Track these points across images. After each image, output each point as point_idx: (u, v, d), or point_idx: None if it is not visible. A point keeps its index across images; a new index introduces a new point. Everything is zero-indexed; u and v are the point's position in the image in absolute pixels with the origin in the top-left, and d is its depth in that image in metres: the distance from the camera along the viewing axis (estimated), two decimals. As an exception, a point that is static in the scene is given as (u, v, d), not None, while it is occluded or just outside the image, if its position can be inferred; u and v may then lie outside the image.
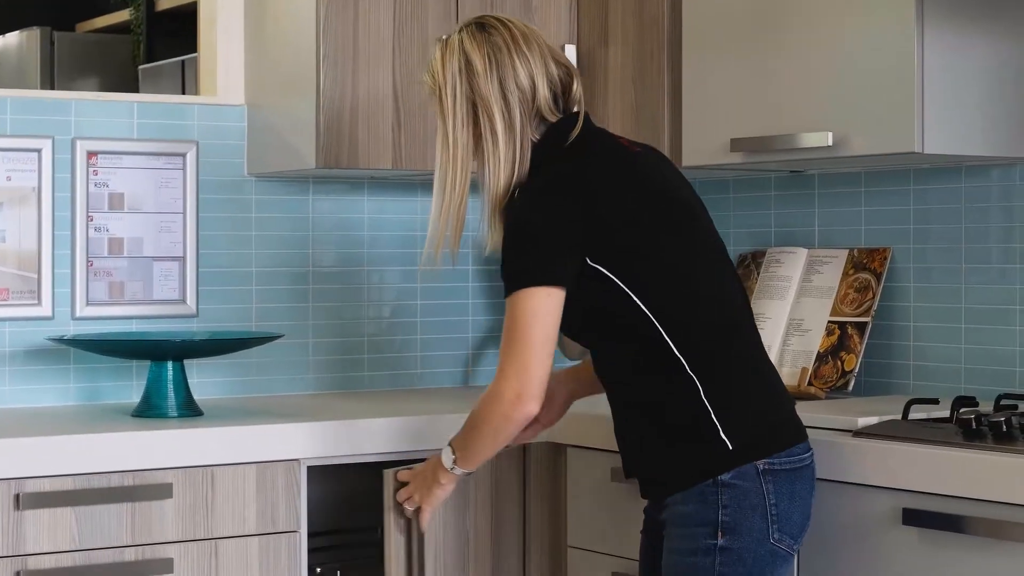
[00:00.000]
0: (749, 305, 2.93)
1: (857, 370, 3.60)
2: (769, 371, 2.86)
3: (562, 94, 2.91)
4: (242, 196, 3.87)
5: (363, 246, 4.03)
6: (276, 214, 3.91)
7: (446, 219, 2.91)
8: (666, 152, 3.74)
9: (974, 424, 2.86)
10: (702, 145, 3.63)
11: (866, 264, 3.70)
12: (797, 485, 2.75)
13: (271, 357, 3.88)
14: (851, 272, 3.72)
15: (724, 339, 2.80)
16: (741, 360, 2.81)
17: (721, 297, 2.83)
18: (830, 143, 3.35)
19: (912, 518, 2.80)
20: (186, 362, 3.44)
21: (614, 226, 2.77)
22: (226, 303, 3.84)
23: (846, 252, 3.75)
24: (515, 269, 2.81)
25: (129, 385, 3.72)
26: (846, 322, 3.66)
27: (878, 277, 3.67)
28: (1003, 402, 3.10)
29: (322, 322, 3.96)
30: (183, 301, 3.78)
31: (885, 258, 3.68)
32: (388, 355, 4.07)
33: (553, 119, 2.89)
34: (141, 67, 5.51)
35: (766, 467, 2.73)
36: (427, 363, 4.13)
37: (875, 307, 3.64)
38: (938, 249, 3.61)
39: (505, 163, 2.85)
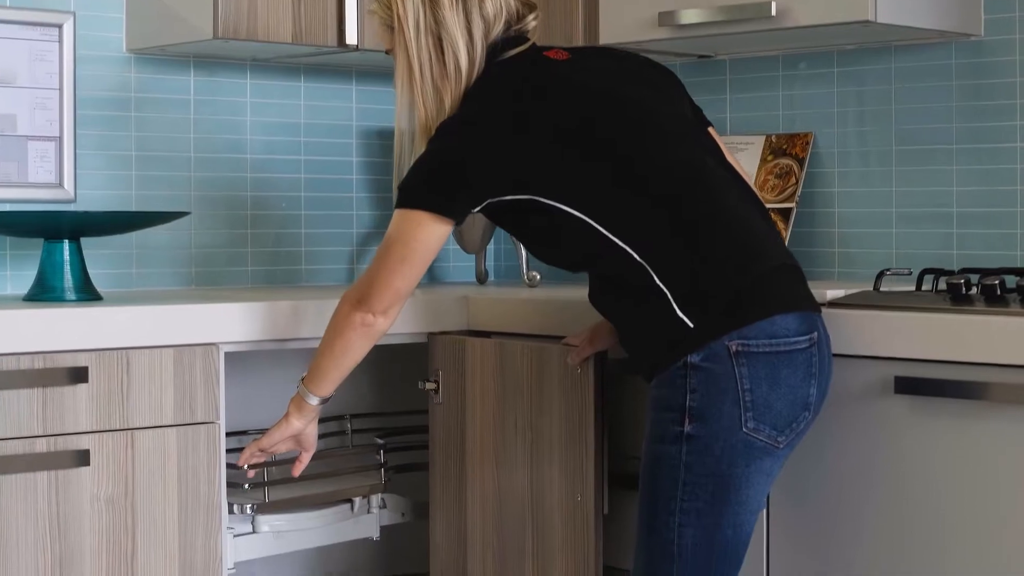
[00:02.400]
0: (722, 170, 2.70)
1: (783, 257, 3.47)
2: (743, 241, 2.60)
3: (516, 23, 2.78)
4: (121, 74, 3.57)
5: (246, 132, 3.76)
6: (157, 95, 3.62)
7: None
8: (579, 29, 3.59)
9: (964, 289, 2.75)
10: (623, 20, 3.46)
11: (786, 150, 3.58)
12: (782, 371, 2.54)
13: (149, 249, 3.60)
14: (770, 158, 3.59)
15: (668, 217, 2.58)
16: (695, 233, 2.58)
17: (666, 174, 2.61)
18: (773, 13, 3.21)
19: (905, 387, 2.67)
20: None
21: (532, 148, 2.62)
22: (105, 188, 3.54)
23: (763, 138, 3.62)
24: (413, 187, 2.69)
25: (2, 276, 3.40)
26: (768, 208, 3.53)
27: (800, 163, 3.55)
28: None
29: (204, 213, 3.68)
30: (60, 185, 3.46)
31: (807, 143, 3.56)
32: (272, 250, 3.82)
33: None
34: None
35: (740, 348, 2.52)
36: (312, 259, 3.88)
37: (799, 192, 3.52)
38: (867, 132, 3.50)
39: (458, 93, 2.72)
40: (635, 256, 2.57)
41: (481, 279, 3.94)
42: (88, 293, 3.11)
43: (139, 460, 2.92)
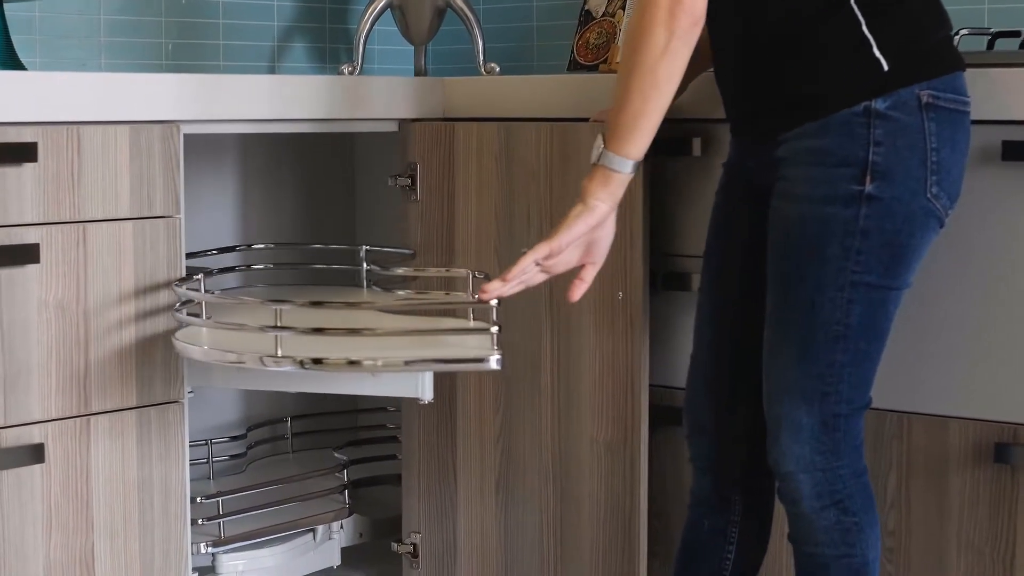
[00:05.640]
0: None
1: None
2: None
3: None
4: None
5: (156, -96, 3.26)
6: None
7: None
8: None
9: (1073, 42, 2.40)
10: None
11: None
12: (959, 133, 2.18)
13: (52, 36, 3.08)
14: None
15: None
16: None
17: None
18: None
19: (1015, 152, 2.32)
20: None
21: None
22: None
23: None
24: None
25: None
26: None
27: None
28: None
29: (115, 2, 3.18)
30: (-49, -48, 2.93)
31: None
32: (184, 42, 3.32)
33: None
34: None
35: (930, 100, 2.14)
36: (229, 54, 3.39)
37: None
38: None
39: None
40: None
41: (421, 75, 3.49)
42: (14, 64, 2.61)
43: (91, 259, 2.43)
